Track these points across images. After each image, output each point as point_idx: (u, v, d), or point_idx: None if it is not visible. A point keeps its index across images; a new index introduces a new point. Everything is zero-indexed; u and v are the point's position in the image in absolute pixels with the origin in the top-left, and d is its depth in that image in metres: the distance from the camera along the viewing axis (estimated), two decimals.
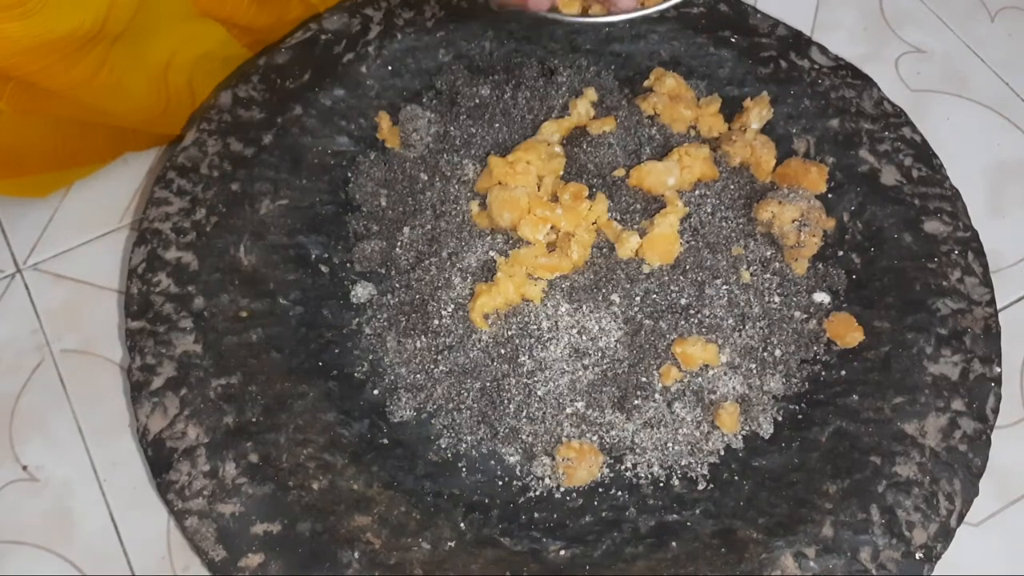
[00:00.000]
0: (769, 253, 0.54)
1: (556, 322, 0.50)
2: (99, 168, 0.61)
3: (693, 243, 0.53)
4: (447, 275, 0.52)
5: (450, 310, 0.51)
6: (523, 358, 0.50)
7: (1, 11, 0.43)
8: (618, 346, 0.51)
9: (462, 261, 0.52)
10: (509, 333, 0.50)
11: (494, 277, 0.51)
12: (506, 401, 0.49)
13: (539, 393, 0.49)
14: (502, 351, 0.50)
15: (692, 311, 0.51)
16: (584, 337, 0.50)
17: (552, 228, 0.53)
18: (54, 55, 0.47)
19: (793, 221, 0.53)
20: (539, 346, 0.50)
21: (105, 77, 0.51)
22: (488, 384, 0.50)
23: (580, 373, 0.50)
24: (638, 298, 0.52)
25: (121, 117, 0.56)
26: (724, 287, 0.52)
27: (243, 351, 0.50)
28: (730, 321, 0.51)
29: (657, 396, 0.49)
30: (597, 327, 0.51)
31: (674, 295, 0.52)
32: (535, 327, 0.50)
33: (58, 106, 0.52)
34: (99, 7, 0.47)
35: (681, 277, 0.52)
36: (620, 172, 0.55)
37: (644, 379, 0.50)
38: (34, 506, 0.51)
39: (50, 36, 0.46)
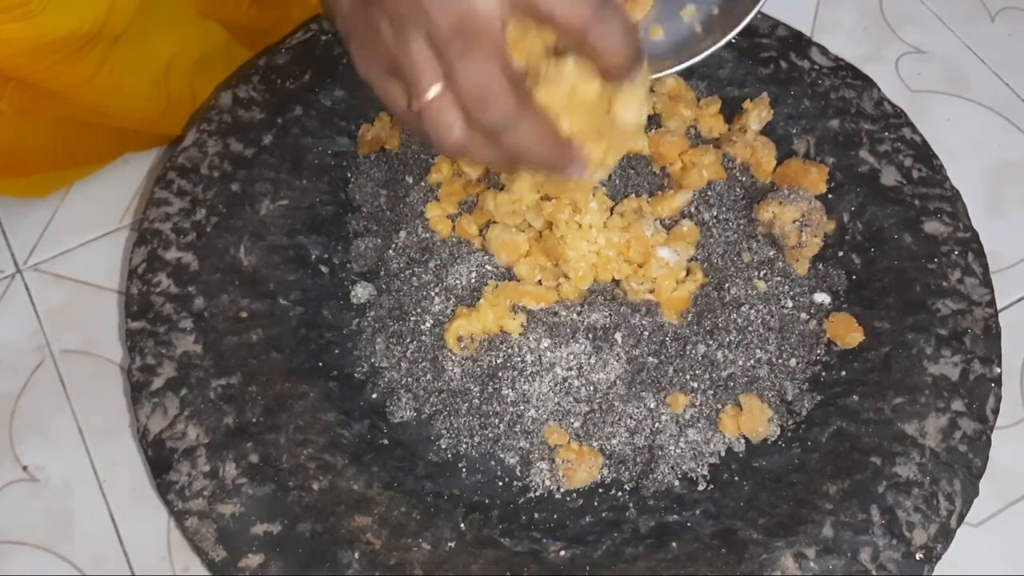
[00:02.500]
0: (772, 253, 0.54)
1: (540, 356, 0.49)
2: (99, 168, 0.61)
3: (704, 255, 0.53)
4: (427, 291, 0.51)
5: (428, 326, 0.50)
6: (506, 391, 0.49)
7: (2, 12, 0.43)
8: (619, 383, 0.49)
9: (448, 278, 0.51)
10: (498, 361, 0.49)
11: (477, 303, 0.50)
12: (496, 422, 0.49)
13: (531, 414, 0.49)
14: (489, 374, 0.49)
15: (715, 369, 0.50)
16: (579, 377, 0.49)
17: (552, 264, 0.51)
18: (55, 56, 0.47)
19: (794, 221, 0.53)
20: (522, 379, 0.49)
21: (105, 78, 0.51)
22: (475, 401, 0.49)
23: (572, 407, 0.49)
24: (645, 334, 0.50)
25: (121, 118, 0.56)
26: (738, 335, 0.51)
27: (243, 351, 0.50)
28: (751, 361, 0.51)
29: (665, 419, 0.49)
30: (599, 364, 0.50)
31: (689, 347, 0.50)
32: (519, 359, 0.49)
33: (59, 106, 0.52)
34: (100, 8, 0.47)
35: (695, 325, 0.51)
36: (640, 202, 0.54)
37: (651, 407, 0.49)
38: (34, 506, 0.51)
39: (51, 37, 0.46)
